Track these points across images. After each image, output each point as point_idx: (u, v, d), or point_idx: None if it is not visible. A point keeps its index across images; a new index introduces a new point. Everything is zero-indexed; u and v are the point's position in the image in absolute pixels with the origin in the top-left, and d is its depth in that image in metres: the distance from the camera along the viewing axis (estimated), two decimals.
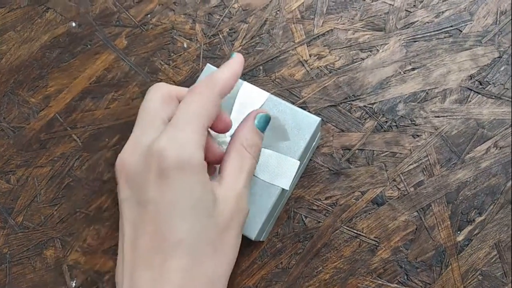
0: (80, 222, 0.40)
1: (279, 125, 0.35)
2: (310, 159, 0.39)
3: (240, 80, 0.36)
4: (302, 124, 0.34)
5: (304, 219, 0.38)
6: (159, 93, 0.29)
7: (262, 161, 0.34)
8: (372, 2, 0.42)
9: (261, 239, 0.36)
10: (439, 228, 0.37)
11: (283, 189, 0.34)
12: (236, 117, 0.36)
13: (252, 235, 0.33)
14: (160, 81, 0.43)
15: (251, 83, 0.42)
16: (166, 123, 0.28)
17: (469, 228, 0.37)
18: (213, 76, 0.29)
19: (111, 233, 0.40)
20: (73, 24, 0.46)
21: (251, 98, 0.36)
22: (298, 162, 0.34)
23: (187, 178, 0.25)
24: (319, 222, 0.38)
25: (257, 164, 0.32)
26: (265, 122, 0.31)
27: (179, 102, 0.29)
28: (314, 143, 0.37)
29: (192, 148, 0.26)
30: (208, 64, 0.37)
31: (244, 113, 0.35)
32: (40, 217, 0.41)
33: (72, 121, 0.43)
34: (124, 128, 0.42)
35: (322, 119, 0.40)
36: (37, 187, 0.41)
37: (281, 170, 0.34)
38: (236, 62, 0.30)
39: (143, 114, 0.29)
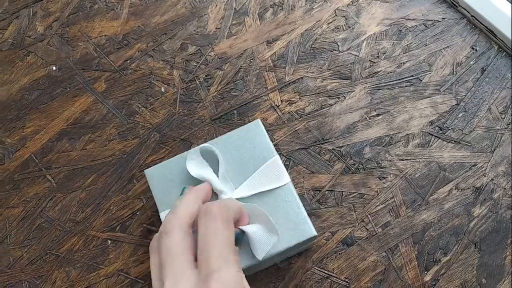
0: (50, 264, 0.40)
1: (279, 214, 0.35)
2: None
3: (274, 151, 0.36)
4: (299, 227, 0.34)
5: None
6: (178, 228, 0.28)
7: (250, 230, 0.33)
8: (339, 53, 0.46)
9: None
10: (407, 268, 0.38)
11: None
12: (250, 183, 0.36)
13: None
14: (137, 124, 0.44)
15: (226, 127, 0.43)
16: (194, 263, 0.27)
17: (436, 268, 0.38)
18: None
19: (81, 275, 0.39)
20: (54, 68, 0.47)
21: (271, 174, 0.36)
22: (277, 238, 0.34)
23: None
24: (291, 263, 0.38)
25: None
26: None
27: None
28: (303, 246, 0.37)
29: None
30: (258, 120, 0.38)
31: (259, 182, 0.35)
32: (9, 259, 0.40)
33: (48, 161, 0.43)
34: (99, 168, 0.43)
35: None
36: (7, 228, 0.41)
37: (262, 241, 0.34)
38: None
39: (170, 259, 0.27)
